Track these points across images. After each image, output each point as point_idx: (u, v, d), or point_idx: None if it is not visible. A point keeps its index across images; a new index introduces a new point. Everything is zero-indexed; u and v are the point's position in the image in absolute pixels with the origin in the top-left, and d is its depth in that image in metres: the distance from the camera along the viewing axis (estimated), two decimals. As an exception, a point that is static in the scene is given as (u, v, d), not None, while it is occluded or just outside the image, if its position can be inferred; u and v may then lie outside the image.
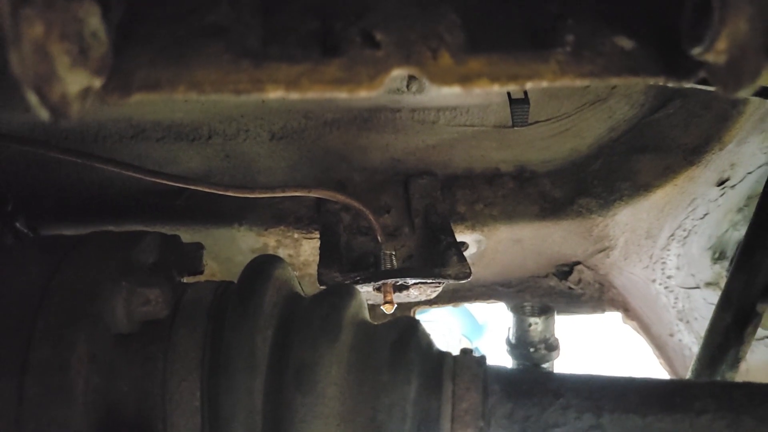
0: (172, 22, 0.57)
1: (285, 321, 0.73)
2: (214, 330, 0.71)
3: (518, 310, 0.78)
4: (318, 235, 1.34)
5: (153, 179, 1.16)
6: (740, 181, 1.30)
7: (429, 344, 0.75)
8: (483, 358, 0.74)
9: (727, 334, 0.84)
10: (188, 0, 0.59)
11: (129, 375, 0.69)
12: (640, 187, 1.33)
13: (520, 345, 0.77)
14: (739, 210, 1.36)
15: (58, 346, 0.63)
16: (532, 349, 0.76)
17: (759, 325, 0.84)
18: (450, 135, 1.35)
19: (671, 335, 1.58)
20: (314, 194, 1.24)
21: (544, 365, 0.77)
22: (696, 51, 0.50)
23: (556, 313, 1.51)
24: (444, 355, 0.74)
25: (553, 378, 0.73)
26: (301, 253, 1.45)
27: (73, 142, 1.26)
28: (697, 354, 0.88)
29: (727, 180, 1.30)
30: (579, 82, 0.55)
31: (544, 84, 0.54)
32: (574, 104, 1.30)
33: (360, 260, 1.31)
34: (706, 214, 1.37)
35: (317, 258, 1.22)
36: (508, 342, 0.79)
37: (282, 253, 1.45)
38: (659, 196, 1.33)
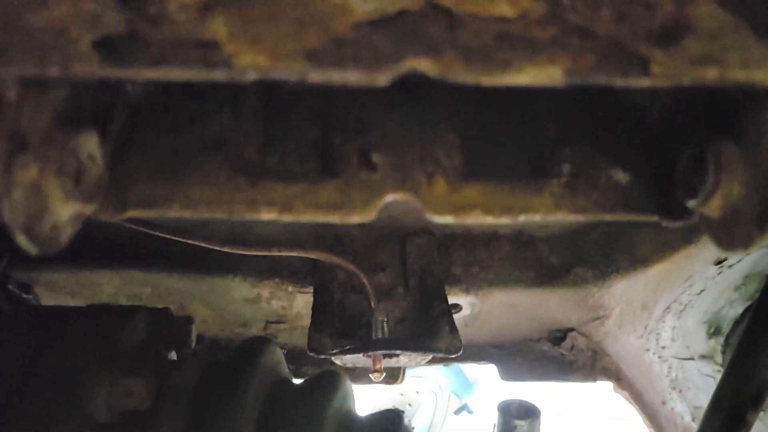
0: (173, 131, 0.57)
1: (269, 414, 0.72)
2: (195, 422, 0.70)
3: (504, 410, 0.77)
4: (312, 290, 1.34)
5: (149, 231, 1.16)
6: (738, 261, 1.30)
7: (412, 444, 0.75)
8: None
9: (716, 440, 0.83)
10: (191, 107, 0.60)
11: (108, 467, 0.68)
12: (637, 260, 1.32)
13: (505, 445, 0.77)
14: (736, 288, 1.36)
15: (37, 439, 0.63)
16: (516, 452, 0.76)
17: (748, 433, 0.83)
18: (449, 196, 1.35)
19: (664, 403, 1.57)
20: (309, 255, 1.24)
21: (528, 468, 0.76)
22: (691, 203, 0.50)
23: (546, 380, 1.51)
24: (427, 456, 0.74)
25: (535, 486, 0.72)
26: (295, 305, 1.45)
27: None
28: (684, 456, 0.87)
29: (725, 260, 1.30)
30: (572, 218, 0.55)
31: (537, 218, 0.54)
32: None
33: (352, 320, 1.31)
34: (702, 290, 1.36)
35: (310, 311, 1.22)
36: (494, 440, 0.79)
37: (275, 304, 1.44)
38: (656, 270, 1.32)
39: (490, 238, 1.43)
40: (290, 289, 1.40)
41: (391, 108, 0.62)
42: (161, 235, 1.17)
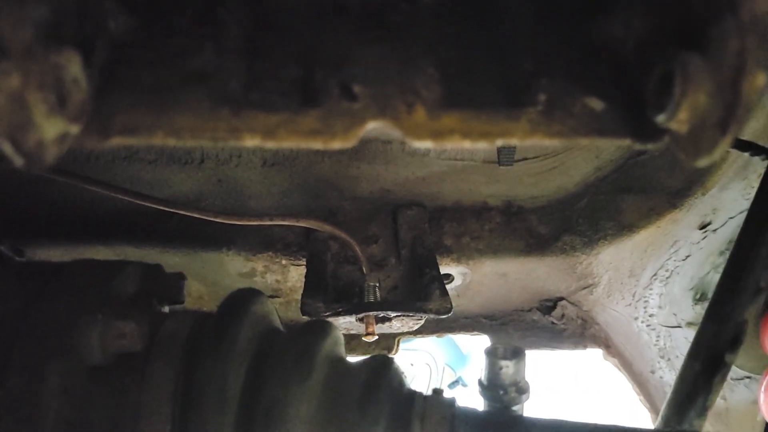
0: (157, 65, 0.58)
1: (259, 358, 0.74)
2: (188, 364, 0.72)
3: (490, 353, 0.79)
4: (305, 263, 1.36)
5: (144, 203, 1.18)
6: (722, 226, 1.32)
7: (400, 384, 0.76)
8: (453, 400, 0.75)
9: (695, 382, 0.85)
10: (174, 44, 0.61)
11: (101, 406, 0.69)
12: (624, 227, 1.34)
13: (491, 387, 0.78)
14: (721, 253, 1.38)
15: (30, 377, 0.64)
16: (502, 392, 0.77)
17: (727, 374, 0.85)
18: (440, 168, 1.36)
19: (652, 372, 1.59)
20: (302, 224, 1.26)
21: (515, 408, 0.78)
22: (660, 118, 0.52)
23: (537, 348, 1.52)
24: (414, 396, 0.75)
25: (521, 421, 0.74)
26: (289, 278, 1.46)
27: (65, 161, 1.27)
28: (666, 399, 0.89)
29: (709, 224, 1.31)
30: (548, 142, 0.57)
31: (515, 142, 0.56)
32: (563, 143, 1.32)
33: (345, 289, 1.33)
34: (688, 256, 1.38)
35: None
36: (480, 383, 0.80)
37: (269, 278, 1.46)
38: (642, 236, 1.34)
39: (480, 209, 1.45)
40: (284, 261, 1.41)
41: (371, 45, 0.64)
42: (157, 206, 1.19)
